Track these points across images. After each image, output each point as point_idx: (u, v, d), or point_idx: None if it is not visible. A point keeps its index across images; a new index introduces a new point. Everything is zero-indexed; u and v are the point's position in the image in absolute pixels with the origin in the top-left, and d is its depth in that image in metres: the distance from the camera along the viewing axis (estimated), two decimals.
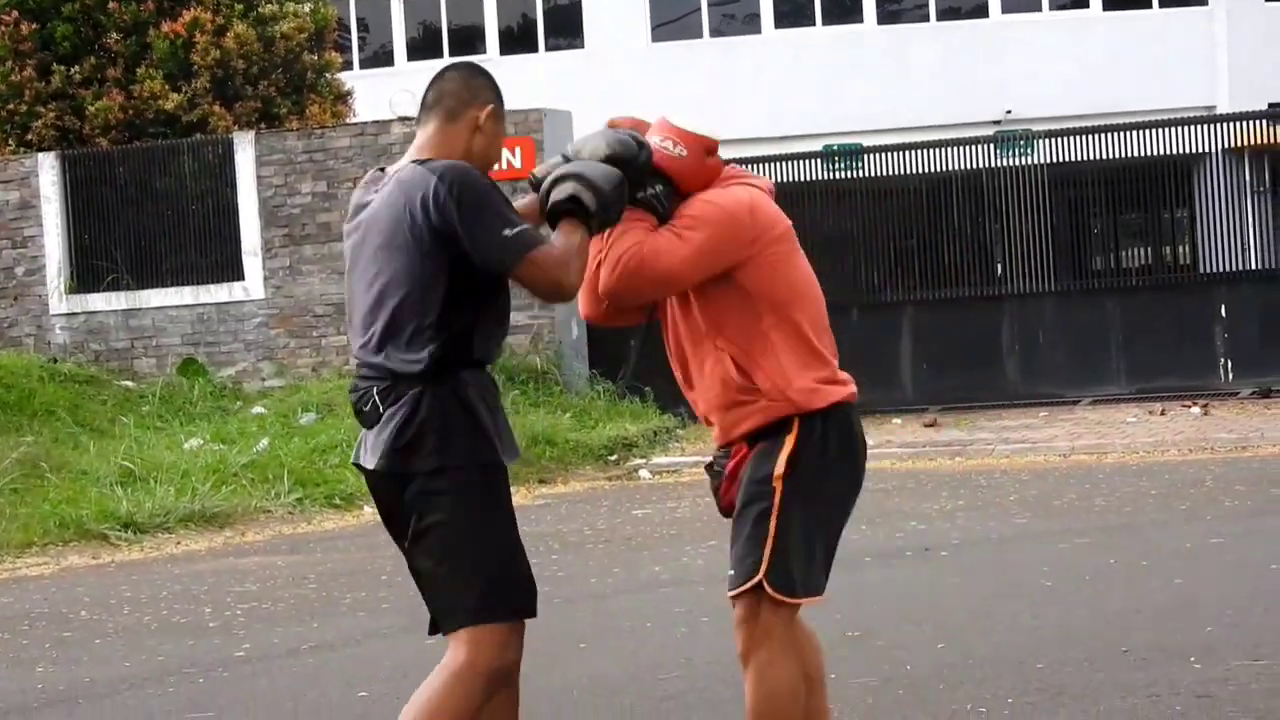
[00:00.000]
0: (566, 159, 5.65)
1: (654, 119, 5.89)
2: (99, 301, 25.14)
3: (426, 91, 5.74)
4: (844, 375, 5.97)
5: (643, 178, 5.68)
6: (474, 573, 5.39)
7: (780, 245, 5.80)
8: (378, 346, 5.45)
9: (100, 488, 17.22)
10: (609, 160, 5.55)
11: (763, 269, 5.73)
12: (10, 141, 26.44)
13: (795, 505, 5.68)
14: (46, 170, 25.28)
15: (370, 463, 5.48)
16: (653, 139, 5.72)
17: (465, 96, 5.67)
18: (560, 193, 5.48)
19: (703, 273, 5.69)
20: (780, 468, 5.68)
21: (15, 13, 26.58)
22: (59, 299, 25.25)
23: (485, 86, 5.74)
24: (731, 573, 5.77)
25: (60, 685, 9.41)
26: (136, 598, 12.39)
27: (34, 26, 26.67)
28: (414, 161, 5.53)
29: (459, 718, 5.29)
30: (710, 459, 6.12)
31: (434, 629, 5.63)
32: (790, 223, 5.93)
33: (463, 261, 5.34)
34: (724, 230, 5.69)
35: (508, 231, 5.31)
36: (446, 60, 35.96)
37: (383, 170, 5.76)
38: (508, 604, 5.46)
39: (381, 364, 5.44)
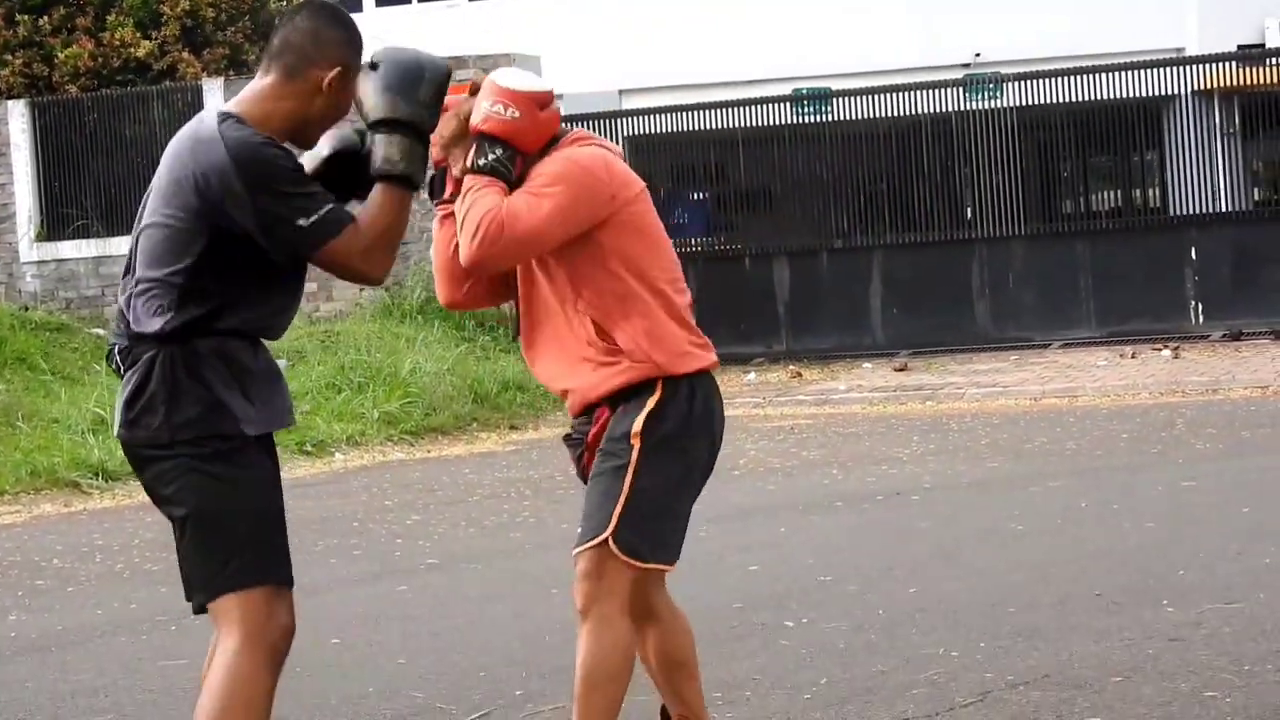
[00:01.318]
0: (373, 67, 5.20)
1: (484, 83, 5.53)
2: (69, 249, 25.11)
3: (274, 33, 5.22)
4: (707, 340, 5.74)
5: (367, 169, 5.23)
6: (219, 544, 5.01)
7: (638, 204, 5.64)
8: (128, 301, 5.01)
9: (72, 435, 17.17)
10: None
11: (625, 228, 5.56)
12: None
13: (652, 464, 5.46)
14: (16, 118, 25.23)
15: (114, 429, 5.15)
16: (482, 104, 5.40)
17: (310, 52, 5.08)
18: (383, 157, 5.09)
19: (564, 231, 5.48)
20: (639, 424, 5.46)
21: None
22: (29, 246, 25.22)
23: (340, 42, 5.13)
24: (580, 529, 5.55)
25: (33, 633, 9.38)
26: (109, 545, 12.37)
27: None
28: (223, 114, 5.02)
29: (251, 696, 4.97)
30: (568, 431, 5.90)
31: (197, 609, 5.20)
32: (645, 185, 5.78)
33: (229, 236, 4.90)
34: (582, 186, 5.50)
35: (302, 222, 4.86)
36: (415, 7, 36.03)
37: None
38: (259, 572, 5.03)
39: (128, 321, 5.00)
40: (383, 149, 5.05)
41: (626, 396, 5.51)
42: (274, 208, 4.82)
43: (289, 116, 5.06)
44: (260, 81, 5.10)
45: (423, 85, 5.10)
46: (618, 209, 5.52)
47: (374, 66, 5.14)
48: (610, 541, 5.39)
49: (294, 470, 16.15)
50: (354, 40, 5.18)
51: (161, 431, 4.92)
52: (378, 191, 5.05)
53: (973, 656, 7.48)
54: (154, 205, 5.04)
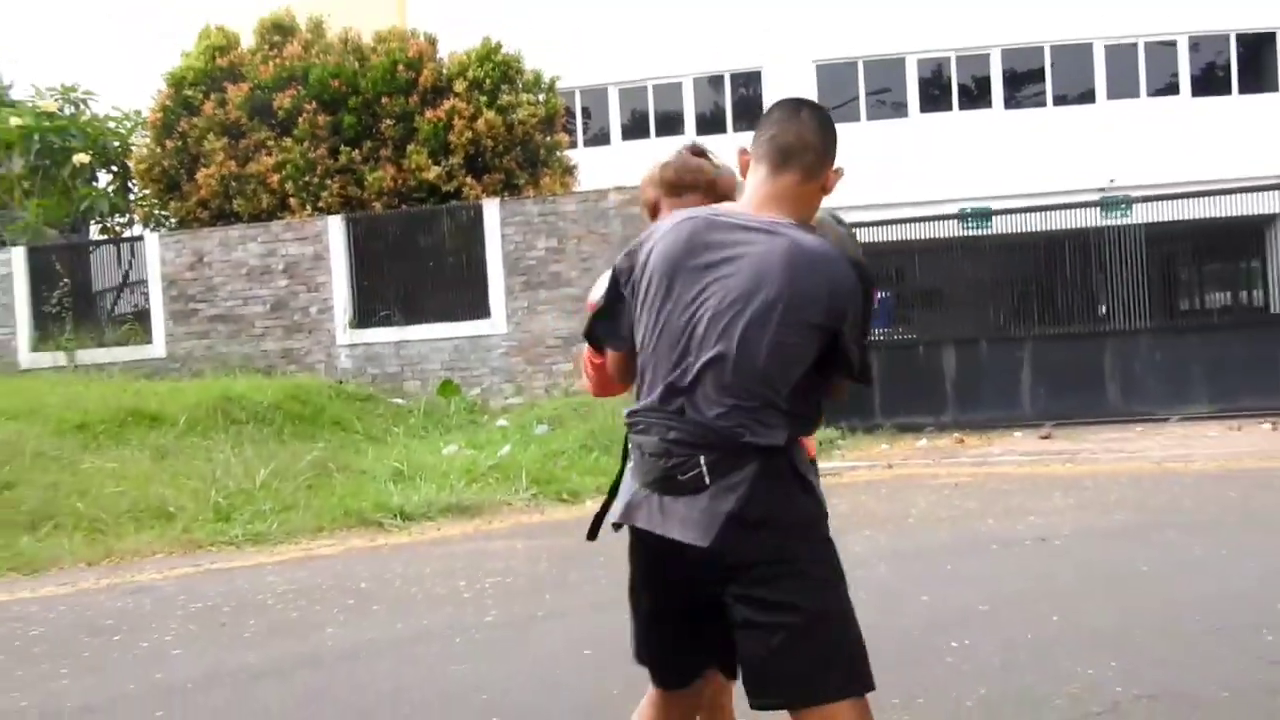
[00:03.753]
0: (840, 223, 4.44)
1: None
2: (375, 335, 25.40)
3: (784, 127, 4.09)
4: None
5: None
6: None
7: None
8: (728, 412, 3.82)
9: (376, 484, 17.37)
10: None
11: None
12: (307, 207, 26.79)
13: None
14: (334, 230, 25.62)
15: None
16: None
17: (826, 153, 4.11)
18: None
19: None
20: None
21: (313, 104, 27.00)
22: (344, 333, 25.54)
23: (835, 142, 4.15)
24: None
25: (345, 644, 9.51)
26: (406, 573, 12.50)
27: (326, 116, 27.09)
28: (802, 227, 3.99)
29: None
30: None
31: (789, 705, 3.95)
32: None
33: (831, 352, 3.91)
34: None
35: (866, 342, 4.03)
36: (654, 141, 36.24)
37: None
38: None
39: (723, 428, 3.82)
40: None
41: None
42: (868, 322, 4.02)
43: (807, 219, 4.13)
44: (776, 182, 4.07)
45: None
46: None
47: (840, 221, 4.48)
48: None
49: (553, 514, 16.28)
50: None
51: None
52: None
53: (1105, 674, 7.43)
54: (770, 315, 3.86)
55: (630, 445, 4.05)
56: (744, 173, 4.17)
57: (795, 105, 4.13)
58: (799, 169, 4.04)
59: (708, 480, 3.79)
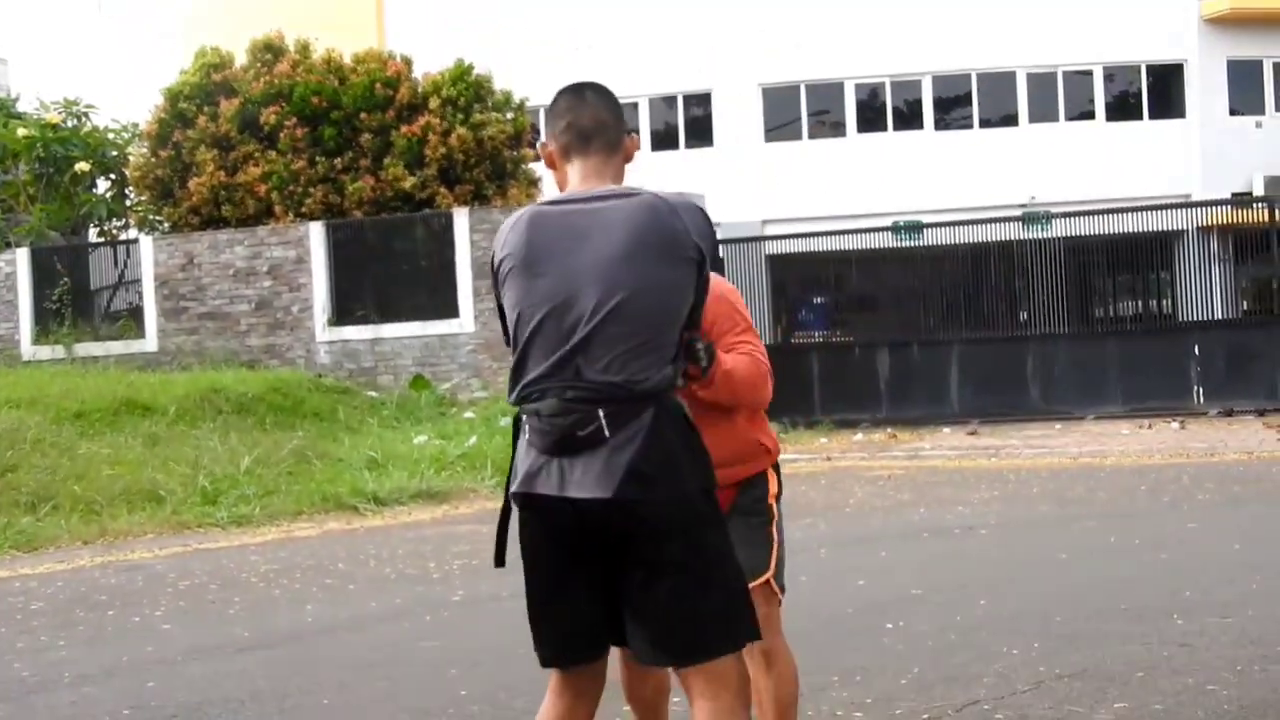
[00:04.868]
0: None
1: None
2: (352, 333, 25.38)
3: (578, 113, 4.05)
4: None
5: None
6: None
7: None
8: (620, 364, 3.74)
9: (352, 471, 17.37)
10: None
11: None
12: (290, 214, 26.77)
13: (779, 524, 4.98)
14: (315, 235, 25.57)
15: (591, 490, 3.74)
16: None
17: (619, 125, 4.09)
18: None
19: None
20: (773, 487, 4.97)
21: (294, 119, 26.98)
22: (323, 330, 25.51)
23: (622, 113, 4.14)
24: None
25: (325, 619, 9.51)
26: (379, 554, 12.51)
27: (307, 129, 27.06)
28: (634, 189, 3.93)
29: None
30: None
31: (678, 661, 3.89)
32: None
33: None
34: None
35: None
36: None
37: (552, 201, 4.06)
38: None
39: (617, 381, 3.74)
40: None
41: (753, 479, 4.96)
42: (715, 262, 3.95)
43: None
44: (596, 160, 4.02)
45: None
46: None
47: None
48: (772, 582, 4.90)
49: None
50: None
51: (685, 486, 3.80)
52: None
53: (1029, 655, 7.42)
54: (620, 267, 3.79)
55: (525, 418, 3.90)
56: (549, 164, 4.11)
57: (578, 89, 4.10)
58: (603, 145, 4.01)
59: (607, 433, 3.69)
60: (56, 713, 7.05)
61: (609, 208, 3.84)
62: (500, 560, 4.21)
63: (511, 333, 3.96)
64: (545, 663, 4.00)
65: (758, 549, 4.85)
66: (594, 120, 4.02)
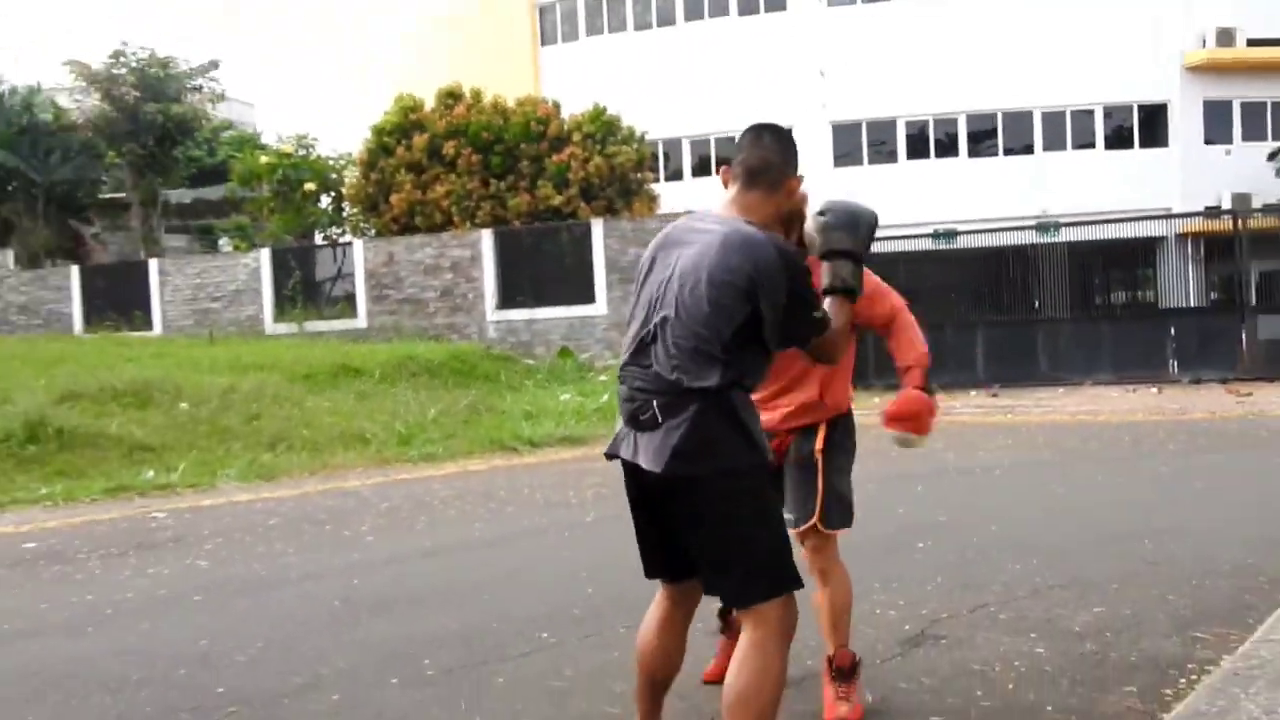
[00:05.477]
0: (822, 214, 4.09)
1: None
2: (514, 314, 25.56)
3: (750, 152, 3.87)
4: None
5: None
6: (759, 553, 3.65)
7: None
8: (674, 364, 3.61)
9: (513, 421, 17.47)
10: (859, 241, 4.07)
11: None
12: (466, 223, 27.02)
13: (830, 470, 4.79)
14: (486, 240, 25.76)
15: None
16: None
17: (785, 168, 3.88)
18: (838, 276, 3.99)
19: None
20: (819, 444, 4.78)
21: (469, 149, 27.17)
22: (491, 312, 25.71)
23: (795, 154, 3.92)
24: (792, 515, 4.68)
25: (490, 534, 9.56)
26: (531, 484, 12.54)
27: (479, 158, 27.25)
28: (748, 222, 3.74)
29: (778, 678, 3.55)
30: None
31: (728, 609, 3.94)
32: None
33: (756, 318, 3.61)
34: None
35: (816, 314, 3.73)
36: (715, 179, 36.20)
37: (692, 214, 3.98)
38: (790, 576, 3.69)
39: (670, 378, 3.60)
40: (838, 271, 3.99)
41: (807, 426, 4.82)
42: (803, 300, 3.68)
43: (772, 220, 3.84)
44: (754, 195, 3.84)
45: (861, 226, 4.07)
46: None
47: (823, 213, 4.10)
48: (819, 525, 4.71)
49: None
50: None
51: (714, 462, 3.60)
52: (834, 302, 3.94)
53: (1029, 568, 7.37)
54: (701, 283, 3.62)
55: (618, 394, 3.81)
56: (725, 184, 3.90)
57: (758, 131, 3.91)
58: (764, 185, 3.83)
59: (660, 420, 3.57)
60: (285, 605, 7.14)
61: (708, 233, 3.71)
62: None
63: (629, 313, 3.92)
64: (646, 574, 3.99)
65: (808, 498, 4.72)
66: (761, 162, 3.84)
